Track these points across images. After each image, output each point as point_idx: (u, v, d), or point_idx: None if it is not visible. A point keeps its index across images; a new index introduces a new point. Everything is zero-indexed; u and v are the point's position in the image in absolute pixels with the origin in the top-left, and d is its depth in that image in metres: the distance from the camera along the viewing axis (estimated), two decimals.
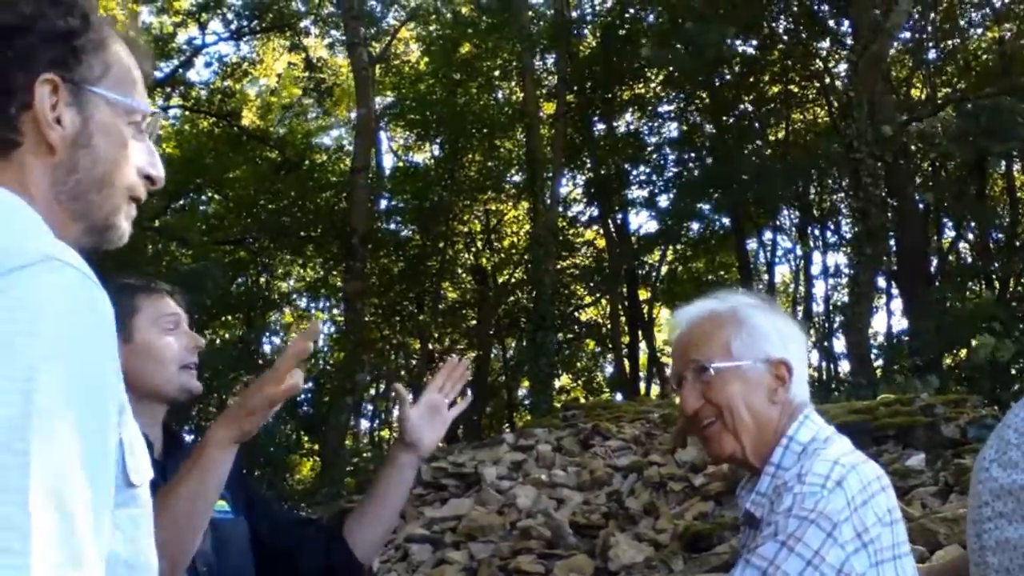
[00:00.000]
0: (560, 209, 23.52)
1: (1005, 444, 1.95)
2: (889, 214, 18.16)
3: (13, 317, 1.01)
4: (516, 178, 25.30)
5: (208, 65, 25.06)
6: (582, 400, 22.44)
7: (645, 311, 25.85)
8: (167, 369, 2.17)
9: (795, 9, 19.90)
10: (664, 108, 24.06)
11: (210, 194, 25.97)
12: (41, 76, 1.22)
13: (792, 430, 1.95)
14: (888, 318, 24.16)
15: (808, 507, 1.76)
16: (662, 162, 23.74)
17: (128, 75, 1.32)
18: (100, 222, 1.25)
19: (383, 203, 24.87)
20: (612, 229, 24.62)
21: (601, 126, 24.55)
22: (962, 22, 20.39)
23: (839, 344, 22.59)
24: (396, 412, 2.41)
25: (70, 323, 1.04)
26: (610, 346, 25.70)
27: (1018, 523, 1.88)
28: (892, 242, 19.32)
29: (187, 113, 25.12)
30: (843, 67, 19.83)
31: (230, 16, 23.63)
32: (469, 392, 2.37)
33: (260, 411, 1.90)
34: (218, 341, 23.38)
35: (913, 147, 19.49)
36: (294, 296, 28.19)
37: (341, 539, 2.29)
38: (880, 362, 17.60)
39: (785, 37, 20.66)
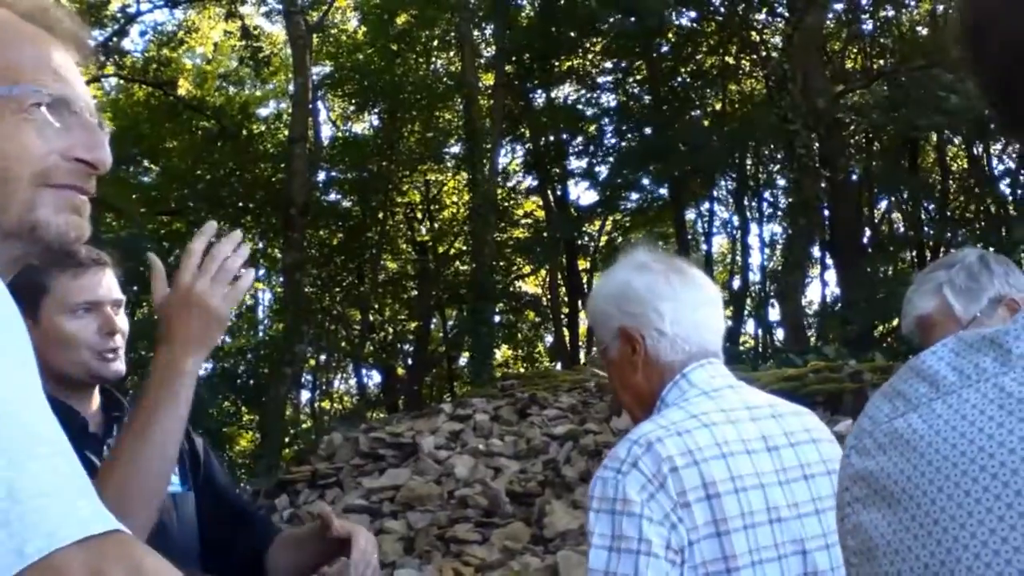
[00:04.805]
0: (500, 180, 23.53)
1: (862, 431, 2.03)
2: (823, 185, 18.40)
3: None
4: (455, 149, 25.28)
5: (143, 34, 24.58)
6: (522, 371, 22.56)
7: (584, 281, 26.03)
8: (75, 355, 1.98)
9: None
10: (602, 79, 24.14)
11: (147, 164, 25.61)
12: None
13: (665, 390, 1.91)
14: (823, 288, 24.56)
15: (610, 496, 1.70)
16: (600, 133, 23.84)
17: (3, 63, 1.16)
18: (13, 224, 1.12)
19: (322, 174, 24.71)
20: (551, 200, 24.69)
21: (540, 97, 24.56)
22: None
23: (775, 313, 22.90)
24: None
25: None
26: (550, 316, 25.85)
27: (869, 507, 1.95)
28: (826, 212, 19.61)
29: (122, 82, 24.71)
30: (779, 39, 20.02)
31: None
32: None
33: (224, 314, 1.68)
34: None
35: (847, 119, 19.72)
36: None
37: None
38: (814, 331, 17.91)
39: (722, 8, 20.80)
